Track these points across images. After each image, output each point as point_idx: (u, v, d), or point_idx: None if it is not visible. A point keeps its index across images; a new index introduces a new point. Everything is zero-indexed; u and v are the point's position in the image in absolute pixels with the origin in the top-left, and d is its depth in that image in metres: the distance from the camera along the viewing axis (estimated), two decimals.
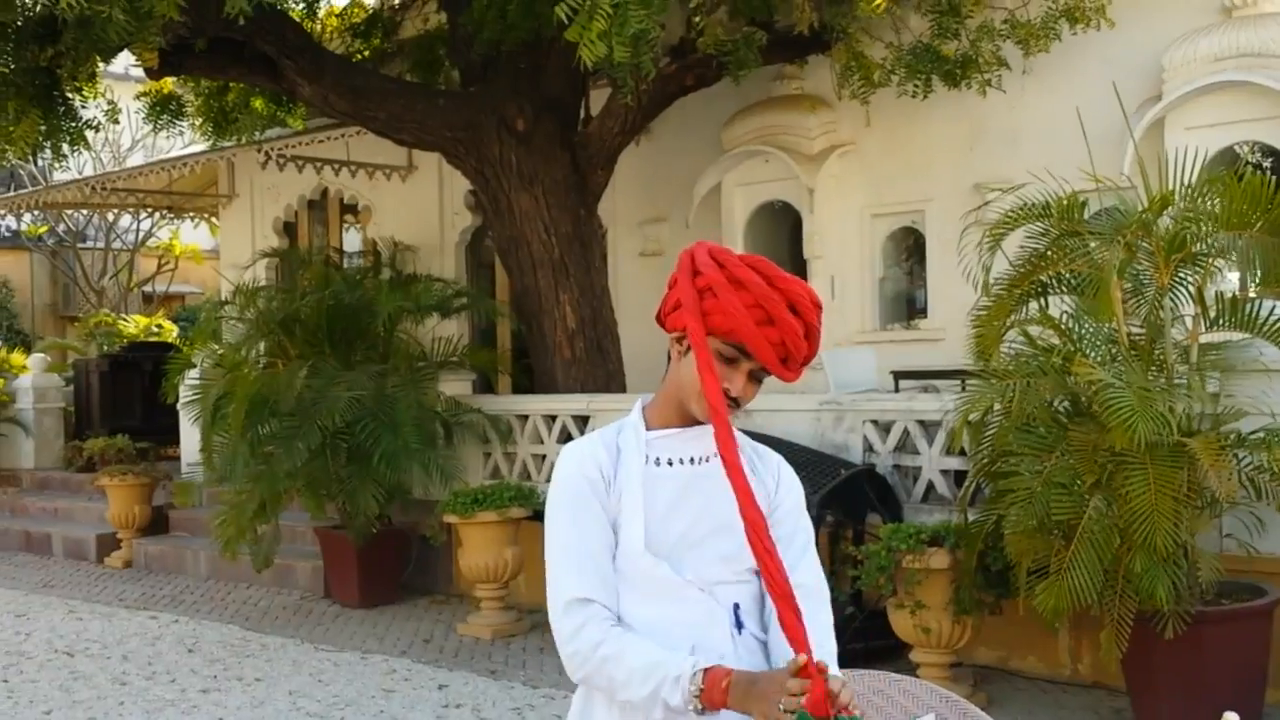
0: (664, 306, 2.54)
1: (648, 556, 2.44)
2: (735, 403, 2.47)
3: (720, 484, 2.41)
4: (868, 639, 7.19)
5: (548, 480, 9.33)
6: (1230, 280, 6.67)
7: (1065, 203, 6.39)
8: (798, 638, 2.29)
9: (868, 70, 9.30)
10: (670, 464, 2.50)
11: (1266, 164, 8.84)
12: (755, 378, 2.48)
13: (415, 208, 13.90)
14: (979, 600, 6.58)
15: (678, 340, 2.50)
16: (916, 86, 9.19)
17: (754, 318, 2.41)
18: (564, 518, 2.48)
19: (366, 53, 12.09)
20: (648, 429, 2.53)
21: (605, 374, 10.11)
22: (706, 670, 2.33)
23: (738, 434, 2.46)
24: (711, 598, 2.46)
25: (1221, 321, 6.29)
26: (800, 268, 11.20)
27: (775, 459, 2.65)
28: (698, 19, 8.67)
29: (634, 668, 2.36)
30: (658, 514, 2.47)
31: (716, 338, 2.43)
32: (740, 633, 2.49)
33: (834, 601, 7.50)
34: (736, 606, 2.48)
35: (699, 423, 2.48)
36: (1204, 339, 6.30)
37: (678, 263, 2.52)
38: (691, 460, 2.51)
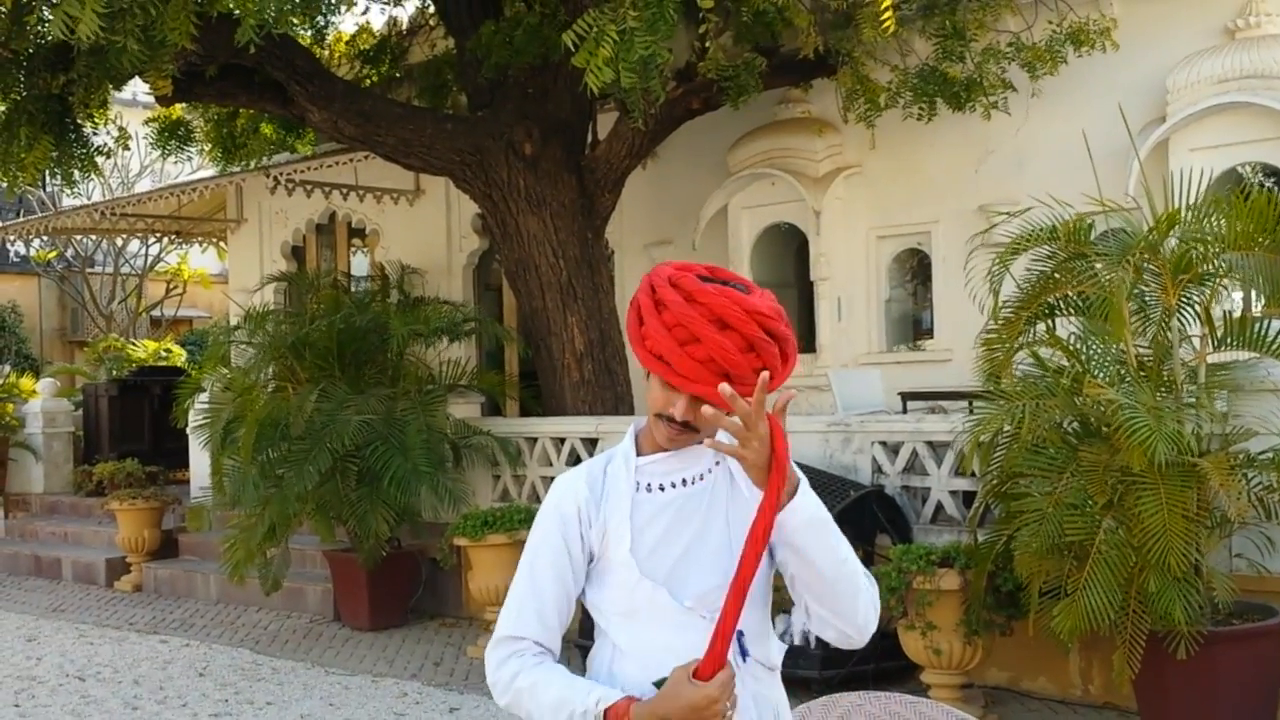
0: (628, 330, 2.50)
1: (645, 583, 2.40)
2: (685, 425, 2.39)
3: (714, 504, 2.43)
4: (878, 660, 7.19)
5: None
6: (1236, 300, 6.71)
7: (1072, 226, 6.42)
8: (714, 652, 2.29)
9: (873, 93, 9.36)
10: (662, 489, 2.46)
11: (1269, 184, 8.87)
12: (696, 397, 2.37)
13: (423, 231, 13.96)
14: (990, 621, 6.60)
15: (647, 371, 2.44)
16: (922, 109, 9.24)
17: (676, 338, 2.32)
18: (527, 554, 2.51)
19: (375, 78, 12.18)
20: (640, 454, 2.49)
21: (614, 396, 10.15)
22: (609, 708, 2.33)
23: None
24: (712, 624, 2.34)
25: (1229, 341, 6.31)
26: (807, 289, 11.24)
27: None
28: (708, 44, 8.71)
29: (544, 703, 2.39)
30: (650, 540, 2.42)
31: (644, 362, 2.40)
32: (745, 660, 2.43)
33: None
34: (740, 634, 2.41)
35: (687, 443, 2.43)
36: (1211, 359, 6.33)
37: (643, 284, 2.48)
38: (684, 482, 2.46)
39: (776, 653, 2.51)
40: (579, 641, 8.38)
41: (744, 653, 2.42)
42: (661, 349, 2.33)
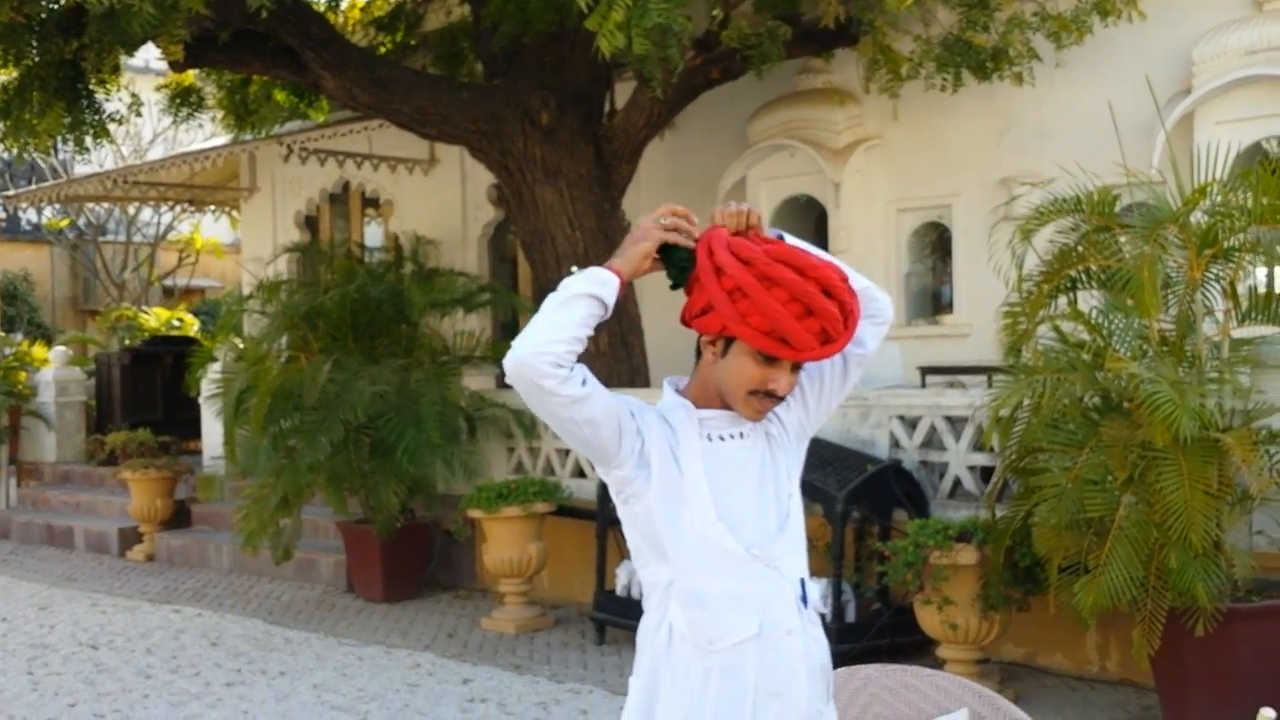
0: (690, 309, 2.53)
1: (719, 526, 2.47)
2: (779, 398, 2.51)
3: (764, 457, 2.56)
4: (894, 635, 7.17)
5: (572, 475, 9.36)
6: (1259, 274, 6.62)
7: (1097, 198, 6.33)
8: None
9: (895, 64, 9.24)
10: (724, 439, 2.54)
11: None
12: (797, 366, 2.51)
13: (437, 202, 13.89)
14: (1007, 596, 6.55)
15: (711, 343, 2.52)
16: (946, 80, 9.12)
17: (793, 313, 2.40)
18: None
19: (389, 45, 12.08)
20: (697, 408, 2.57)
21: (629, 368, 10.08)
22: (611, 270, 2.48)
23: None
24: (776, 571, 2.50)
25: (1253, 316, 6.23)
26: None
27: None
28: (717, 12, 8.60)
29: (548, 306, 2.45)
30: (721, 486, 2.49)
31: (745, 340, 2.45)
32: (806, 606, 2.54)
33: (861, 598, 7.45)
34: (802, 581, 2.54)
35: None
36: (1235, 334, 6.25)
37: (697, 258, 2.52)
38: (741, 435, 2.56)
39: (821, 599, 2.62)
40: (595, 615, 8.37)
41: (805, 599, 2.54)
42: (778, 326, 2.40)
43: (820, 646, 2.58)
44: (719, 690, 2.44)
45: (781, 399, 2.52)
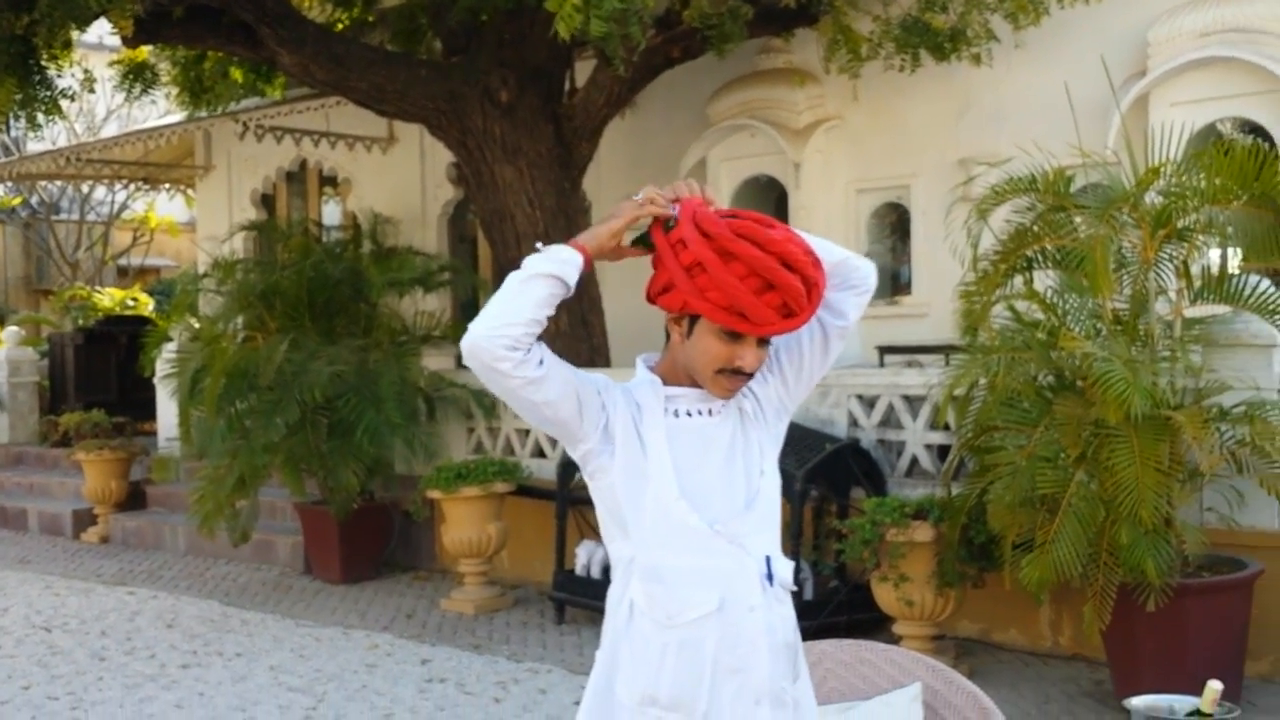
0: (654, 286, 2.51)
1: (681, 502, 2.46)
2: (748, 375, 2.50)
3: (733, 434, 2.54)
4: (851, 612, 7.22)
5: (532, 455, 9.35)
6: (1212, 255, 6.70)
7: (1052, 178, 6.38)
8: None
9: (855, 44, 9.25)
10: (690, 415, 2.53)
11: (1246, 141, 8.84)
12: (764, 341, 2.49)
13: (396, 180, 13.81)
14: (962, 573, 6.61)
15: (676, 322, 2.50)
16: (905, 60, 9.14)
17: (750, 288, 2.37)
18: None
19: (346, 21, 11.98)
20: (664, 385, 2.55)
21: (590, 348, 10.07)
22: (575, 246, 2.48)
23: None
24: (741, 548, 2.48)
25: (1206, 295, 6.30)
26: None
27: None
28: None
29: (508, 286, 2.46)
30: (686, 462, 2.48)
31: (706, 317, 2.43)
32: (771, 584, 2.53)
33: (819, 575, 7.50)
34: (769, 559, 2.52)
35: None
36: (1188, 313, 6.32)
37: (658, 241, 2.50)
38: (706, 412, 2.54)
39: (789, 574, 2.59)
40: (554, 595, 8.38)
41: (770, 576, 2.52)
42: (737, 301, 2.38)
43: (786, 624, 2.56)
44: (676, 664, 2.43)
45: (750, 375, 2.50)
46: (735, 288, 2.36)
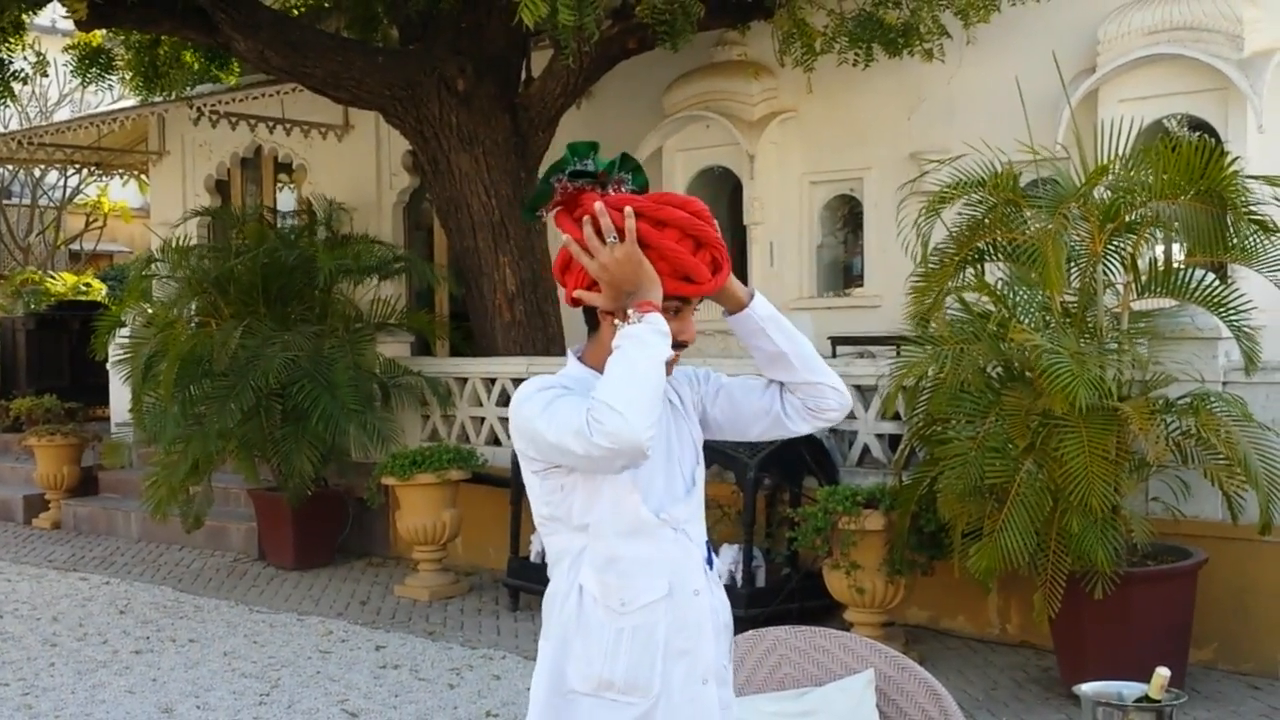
0: (579, 283, 2.52)
1: (635, 494, 2.50)
2: (686, 346, 2.58)
3: (669, 423, 2.61)
4: (803, 599, 7.30)
5: (487, 443, 9.38)
6: (1159, 249, 6.81)
7: (1000, 177, 6.46)
8: None
9: (809, 38, 9.32)
10: None
11: (1193, 137, 8.99)
12: (691, 311, 2.59)
13: (352, 167, 13.75)
14: (912, 561, 6.71)
15: (609, 311, 2.52)
16: (858, 55, 9.23)
17: (688, 249, 2.48)
18: (551, 402, 2.45)
19: (302, 8, 11.92)
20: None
21: (545, 337, 10.10)
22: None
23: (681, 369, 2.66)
24: (684, 535, 2.56)
25: (1153, 289, 6.41)
26: (740, 234, 11.24)
27: (689, 371, 2.81)
28: None
29: (646, 374, 2.39)
30: None
31: (666, 288, 2.48)
32: (711, 569, 2.62)
33: (771, 563, 7.57)
34: (709, 544, 2.62)
35: None
36: (1135, 306, 6.43)
37: (569, 231, 2.51)
38: None
39: (728, 562, 2.70)
40: (508, 581, 8.41)
41: (710, 562, 2.61)
42: (681, 264, 2.46)
43: (724, 607, 2.65)
44: (630, 649, 2.49)
45: (686, 345, 2.57)
46: (677, 252, 2.45)
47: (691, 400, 2.72)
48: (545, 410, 2.45)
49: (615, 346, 2.42)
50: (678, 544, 2.55)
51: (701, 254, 2.48)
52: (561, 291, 2.64)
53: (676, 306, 2.52)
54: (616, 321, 2.48)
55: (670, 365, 2.55)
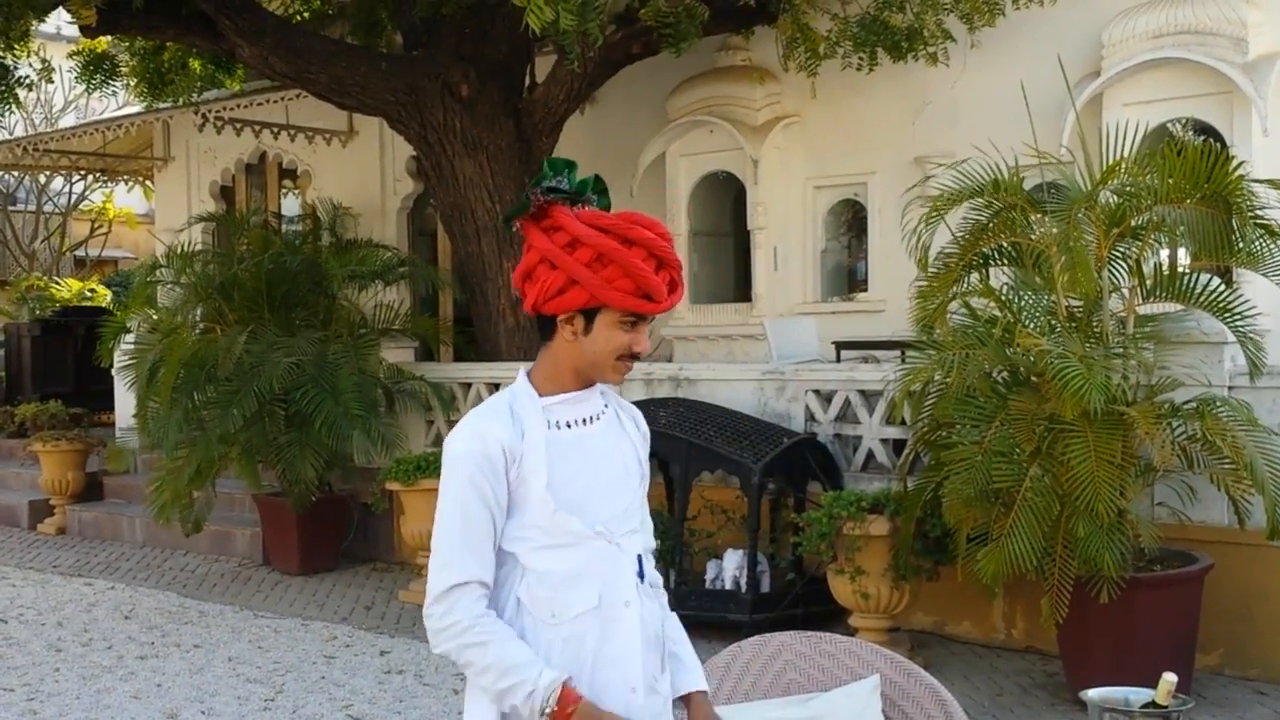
0: (544, 293, 2.58)
1: (560, 514, 2.56)
2: (639, 357, 2.63)
3: (608, 440, 2.68)
4: (808, 604, 7.29)
5: None
6: (1164, 253, 6.80)
7: (1005, 181, 6.45)
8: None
9: (813, 42, 9.32)
10: (569, 425, 2.63)
11: (1198, 141, 8.97)
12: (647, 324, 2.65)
13: (356, 173, 13.76)
14: (917, 566, 6.70)
15: (569, 321, 2.58)
16: (862, 59, 9.22)
17: (651, 268, 2.54)
18: (453, 500, 2.57)
19: (306, 14, 11.94)
20: (540, 395, 2.63)
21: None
22: (561, 689, 2.49)
23: (602, 389, 2.71)
24: (617, 548, 2.62)
25: (1158, 293, 6.40)
26: (744, 238, 11.24)
27: (636, 411, 2.82)
28: None
29: (491, 663, 2.51)
30: (564, 473, 2.58)
31: (615, 305, 2.54)
32: (642, 581, 2.67)
33: (775, 568, 7.59)
34: (640, 558, 2.67)
35: (590, 385, 2.65)
36: (1140, 310, 6.42)
37: (536, 241, 2.58)
38: (583, 421, 2.66)
39: (656, 573, 2.77)
40: None
41: (641, 575, 2.67)
42: (645, 283, 2.53)
43: (655, 618, 2.70)
44: (561, 659, 2.54)
45: (639, 357, 2.64)
46: (642, 270, 2.52)
47: (635, 432, 2.77)
48: (451, 501, 2.57)
49: (499, 689, 2.51)
50: (611, 557, 2.60)
51: (662, 274, 2.56)
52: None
53: (633, 320, 2.58)
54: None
55: (623, 374, 2.64)
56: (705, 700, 2.79)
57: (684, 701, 2.78)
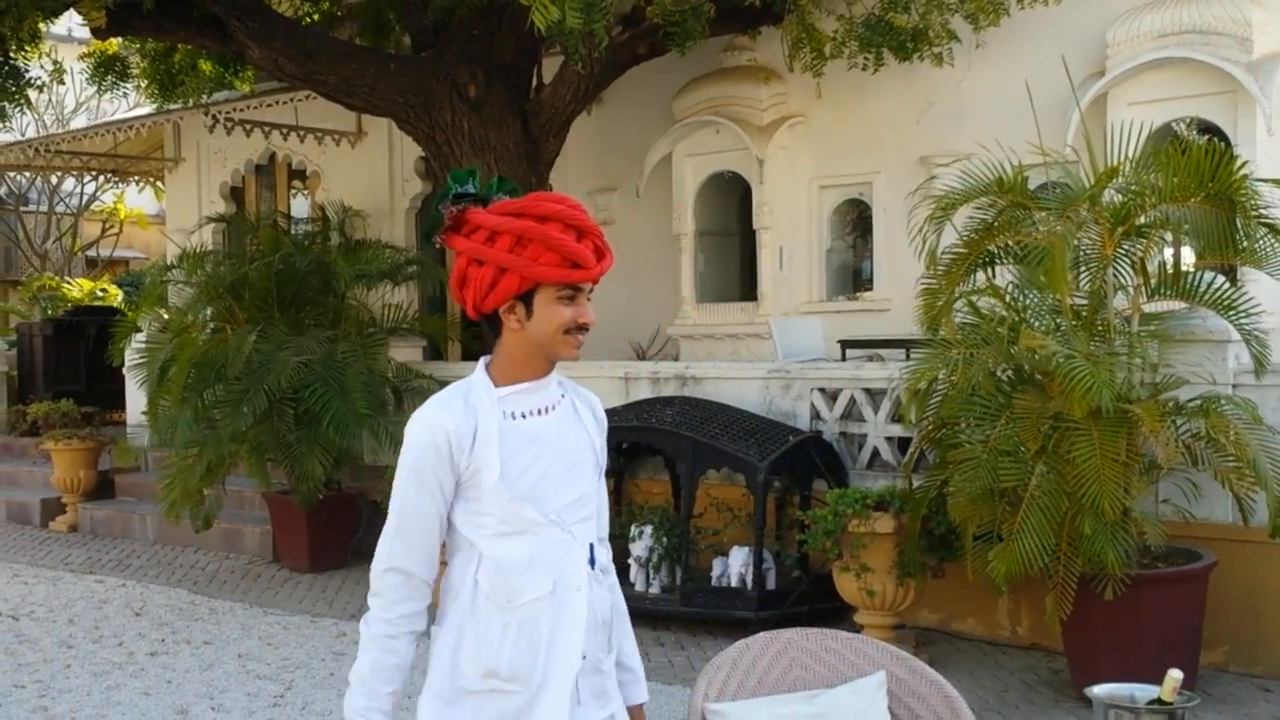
0: (478, 294, 2.66)
1: (514, 501, 2.64)
2: (587, 329, 2.69)
3: (565, 430, 2.74)
4: (813, 602, 7.33)
5: None
6: (1169, 251, 6.83)
7: (1010, 180, 6.48)
8: None
9: (819, 43, 9.34)
10: (524, 416, 2.70)
11: (1202, 140, 8.98)
12: (588, 297, 2.70)
13: (365, 174, 13.82)
14: (922, 563, 6.73)
15: (511, 310, 2.66)
16: (868, 59, 9.25)
17: (571, 238, 2.62)
18: (402, 488, 2.68)
19: (316, 16, 12.00)
20: (496, 386, 2.70)
21: None
22: None
23: (559, 378, 2.77)
24: (570, 535, 2.70)
25: (1163, 291, 6.43)
26: (749, 238, 11.28)
27: (593, 398, 2.89)
28: None
29: (368, 673, 2.72)
30: (520, 463, 2.66)
31: (546, 280, 2.61)
32: (593, 568, 2.75)
33: (781, 566, 7.62)
34: (591, 545, 2.75)
35: (546, 373, 2.71)
36: (1145, 309, 6.44)
37: (459, 246, 2.67)
38: (539, 411, 2.72)
39: (607, 558, 2.84)
40: None
41: (592, 561, 2.75)
42: (569, 251, 2.60)
43: (603, 603, 2.78)
44: (515, 642, 2.65)
45: (589, 328, 2.69)
46: (562, 240, 2.59)
47: (592, 421, 2.83)
48: (397, 489, 2.69)
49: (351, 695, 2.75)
50: (564, 544, 2.68)
51: (585, 242, 2.62)
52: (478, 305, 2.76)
53: (570, 294, 2.64)
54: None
55: (575, 346, 2.69)
56: (643, 713, 2.97)
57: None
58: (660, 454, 8.22)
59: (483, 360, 2.76)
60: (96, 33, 9.66)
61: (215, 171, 15.35)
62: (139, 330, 10.85)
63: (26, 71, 9.92)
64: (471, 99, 9.87)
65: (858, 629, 6.71)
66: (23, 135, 18.82)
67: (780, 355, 9.03)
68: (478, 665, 2.67)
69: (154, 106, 13.40)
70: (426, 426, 2.65)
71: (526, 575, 2.65)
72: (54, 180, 22.03)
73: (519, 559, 2.65)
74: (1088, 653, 6.24)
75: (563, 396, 2.77)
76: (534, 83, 10.51)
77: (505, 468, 2.62)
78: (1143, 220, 6.32)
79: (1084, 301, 6.40)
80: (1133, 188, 6.32)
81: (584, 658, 2.69)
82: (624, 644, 2.90)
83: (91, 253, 24.27)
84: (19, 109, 10.08)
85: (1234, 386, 6.54)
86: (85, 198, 23.37)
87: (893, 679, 3.58)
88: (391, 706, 2.71)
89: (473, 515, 2.67)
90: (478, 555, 2.68)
